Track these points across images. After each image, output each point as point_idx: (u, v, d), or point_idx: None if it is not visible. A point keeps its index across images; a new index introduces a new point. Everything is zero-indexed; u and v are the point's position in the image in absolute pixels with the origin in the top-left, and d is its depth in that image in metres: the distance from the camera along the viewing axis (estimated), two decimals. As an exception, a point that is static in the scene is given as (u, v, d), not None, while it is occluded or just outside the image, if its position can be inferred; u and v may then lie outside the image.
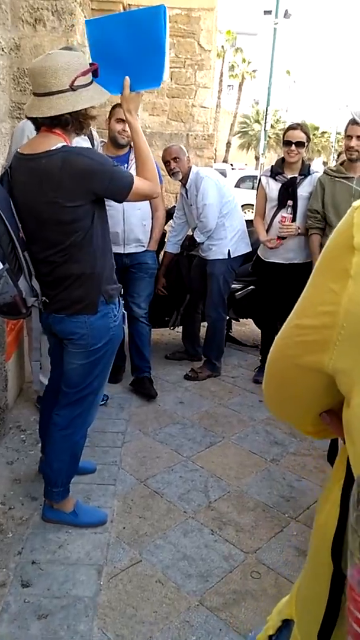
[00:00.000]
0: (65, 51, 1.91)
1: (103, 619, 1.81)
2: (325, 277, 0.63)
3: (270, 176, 3.54)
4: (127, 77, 1.90)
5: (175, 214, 3.94)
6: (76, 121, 1.86)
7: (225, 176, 17.03)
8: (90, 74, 1.84)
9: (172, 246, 3.95)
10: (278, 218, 3.46)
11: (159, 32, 1.82)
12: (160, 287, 3.91)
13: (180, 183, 3.81)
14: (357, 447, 0.60)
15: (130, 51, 1.87)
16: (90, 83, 1.85)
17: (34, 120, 1.87)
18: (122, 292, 2.11)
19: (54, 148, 1.81)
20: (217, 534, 2.26)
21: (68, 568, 2.02)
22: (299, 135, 3.36)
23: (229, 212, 3.70)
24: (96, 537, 2.19)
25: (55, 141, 1.83)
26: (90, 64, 1.85)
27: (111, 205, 3.23)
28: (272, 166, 3.62)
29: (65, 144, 1.84)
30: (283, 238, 3.45)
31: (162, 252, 3.91)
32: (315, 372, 0.66)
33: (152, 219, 3.51)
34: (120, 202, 2.00)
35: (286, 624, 0.83)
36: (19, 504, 2.38)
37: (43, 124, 1.86)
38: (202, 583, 1.99)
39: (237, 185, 18.17)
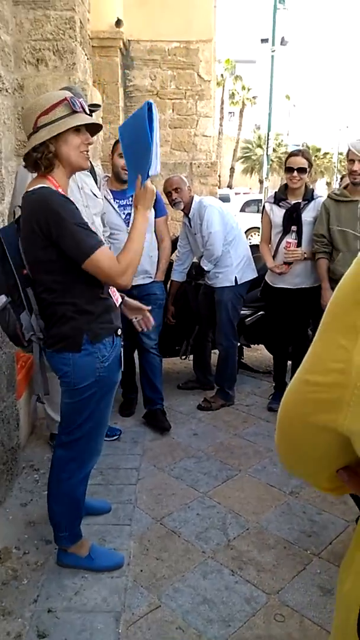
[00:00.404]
0: (37, 98, 1.90)
1: (122, 672, 1.73)
2: (334, 332, 0.60)
3: (274, 202, 3.54)
4: (139, 176, 1.91)
5: (179, 243, 3.94)
6: (32, 162, 1.84)
7: (229, 201, 17.11)
8: (63, 107, 1.81)
9: (178, 275, 3.94)
10: (283, 244, 3.45)
11: (145, 127, 1.85)
12: (170, 316, 3.89)
13: (182, 213, 3.82)
14: None
15: (137, 149, 1.93)
16: (62, 117, 1.80)
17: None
18: (118, 332, 2.02)
19: (30, 189, 1.85)
20: (237, 575, 2.18)
21: (85, 616, 1.95)
22: (300, 162, 3.36)
23: (233, 239, 3.70)
24: (113, 582, 2.12)
25: (37, 182, 1.86)
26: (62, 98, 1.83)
27: (117, 239, 3.26)
28: (275, 192, 3.63)
29: (43, 185, 1.83)
30: (289, 263, 3.43)
31: (169, 282, 3.91)
32: (329, 432, 0.62)
33: (159, 249, 3.51)
34: (79, 265, 1.83)
35: None
36: (33, 548, 2.32)
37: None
38: (224, 628, 1.91)
39: (242, 210, 18.29)
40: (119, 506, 2.59)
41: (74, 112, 1.83)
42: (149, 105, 1.85)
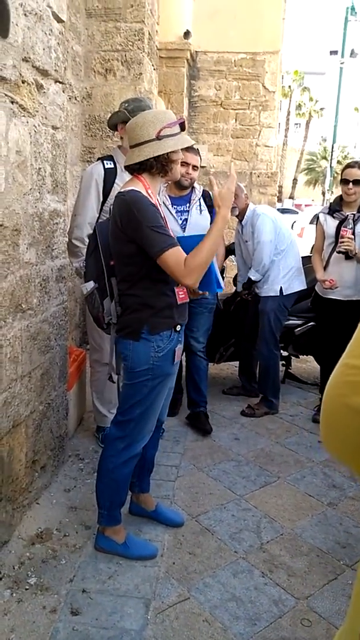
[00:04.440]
0: (155, 110, 2.15)
1: (148, 655, 1.80)
2: None
3: (328, 213, 3.55)
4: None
5: (235, 253, 4.04)
6: (159, 164, 2.05)
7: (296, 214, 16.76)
8: (177, 126, 2.05)
9: (240, 285, 4.05)
10: (335, 255, 3.43)
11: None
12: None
13: (237, 220, 3.91)
14: None
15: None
16: (177, 134, 2.05)
17: (126, 167, 2.13)
18: (177, 328, 2.14)
19: (123, 190, 2.06)
20: (267, 577, 2.21)
21: (117, 599, 2.04)
22: (356, 174, 3.35)
23: (284, 249, 3.73)
24: (146, 571, 2.20)
25: (132, 184, 2.07)
26: (178, 117, 2.09)
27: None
28: (330, 203, 3.63)
29: (134, 188, 2.03)
30: (344, 253, 3.39)
31: (233, 293, 4.03)
32: None
33: (212, 255, 3.58)
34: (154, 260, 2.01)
35: None
36: (73, 531, 2.43)
37: (133, 170, 2.10)
38: (250, 626, 1.95)
39: (312, 222, 18.12)
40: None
41: (181, 130, 2.09)
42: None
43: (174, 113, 2.11)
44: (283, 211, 15.15)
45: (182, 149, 2.12)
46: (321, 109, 37.20)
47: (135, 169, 2.09)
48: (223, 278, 4.00)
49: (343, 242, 3.33)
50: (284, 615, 2.01)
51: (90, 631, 1.87)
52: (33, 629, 1.88)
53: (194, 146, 2.94)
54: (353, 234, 3.35)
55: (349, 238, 3.31)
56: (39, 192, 2.35)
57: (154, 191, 2.12)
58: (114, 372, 2.26)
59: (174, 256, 1.96)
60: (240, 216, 3.79)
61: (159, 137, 2.00)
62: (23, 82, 2.11)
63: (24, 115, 2.15)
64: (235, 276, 4.29)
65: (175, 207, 3.43)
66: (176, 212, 3.42)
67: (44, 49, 2.27)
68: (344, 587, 2.17)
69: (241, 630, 1.93)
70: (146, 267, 2.03)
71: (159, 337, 2.09)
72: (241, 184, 3.93)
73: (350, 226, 3.34)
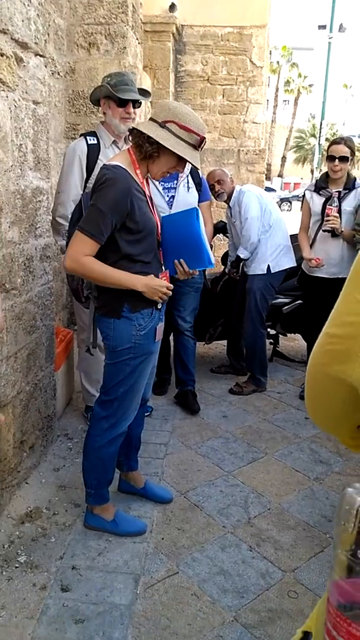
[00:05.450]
0: (188, 108, 2.04)
1: (137, 628, 1.83)
2: (353, 288, 0.64)
3: (315, 191, 3.52)
4: (175, 261, 2.23)
5: (228, 236, 4.06)
6: (137, 144, 2.01)
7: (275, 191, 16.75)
8: (190, 135, 1.98)
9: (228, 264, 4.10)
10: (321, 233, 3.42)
11: (194, 229, 2.19)
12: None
13: (226, 205, 3.91)
14: None
15: (182, 242, 2.22)
16: (184, 141, 1.98)
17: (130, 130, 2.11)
18: (158, 307, 2.13)
19: (109, 163, 2.03)
20: (255, 551, 2.24)
21: (106, 575, 2.06)
22: (342, 150, 3.33)
23: (271, 227, 3.72)
24: (135, 547, 2.23)
25: (120, 160, 2.04)
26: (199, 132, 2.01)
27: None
28: (316, 180, 3.61)
29: (121, 165, 2.00)
30: (330, 231, 3.38)
31: (222, 271, 4.04)
32: (342, 384, 0.66)
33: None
34: None
35: (306, 636, 0.83)
36: (62, 510, 2.45)
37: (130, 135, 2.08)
38: (237, 599, 1.98)
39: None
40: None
41: (195, 147, 2.01)
42: (197, 212, 2.20)
43: (202, 128, 2.02)
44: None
45: (178, 157, 2.00)
46: (310, 85, 36.81)
47: (129, 133, 2.07)
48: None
49: (329, 220, 3.32)
50: (271, 587, 2.05)
51: (80, 607, 1.89)
52: (23, 606, 1.89)
53: None
54: (339, 211, 3.34)
55: (334, 216, 3.31)
56: (21, 169, 2.30)
57: (142, 171, 2.07)
58: (91, 345, 2.28)
59: (84, 244, 1.95)
60: (229, 199, 3.78)
61: (161, 124, 1.97)
62: (2, 55, 2.05)
63: (3, 90, 2.09)
64: (224, 255, 4.28)
65: (163, 183, 3.38)
66: (163, 189, 3.37)
67: (22, 21, 2.21)
68: (330, 560, 2.20)
69: (229, 603, 1.96)
70: (116, 242, 2.00)
71: (139, 315, 2.07)
72: (225, 170, 3.91)
73: (336, 204, 3.33)
